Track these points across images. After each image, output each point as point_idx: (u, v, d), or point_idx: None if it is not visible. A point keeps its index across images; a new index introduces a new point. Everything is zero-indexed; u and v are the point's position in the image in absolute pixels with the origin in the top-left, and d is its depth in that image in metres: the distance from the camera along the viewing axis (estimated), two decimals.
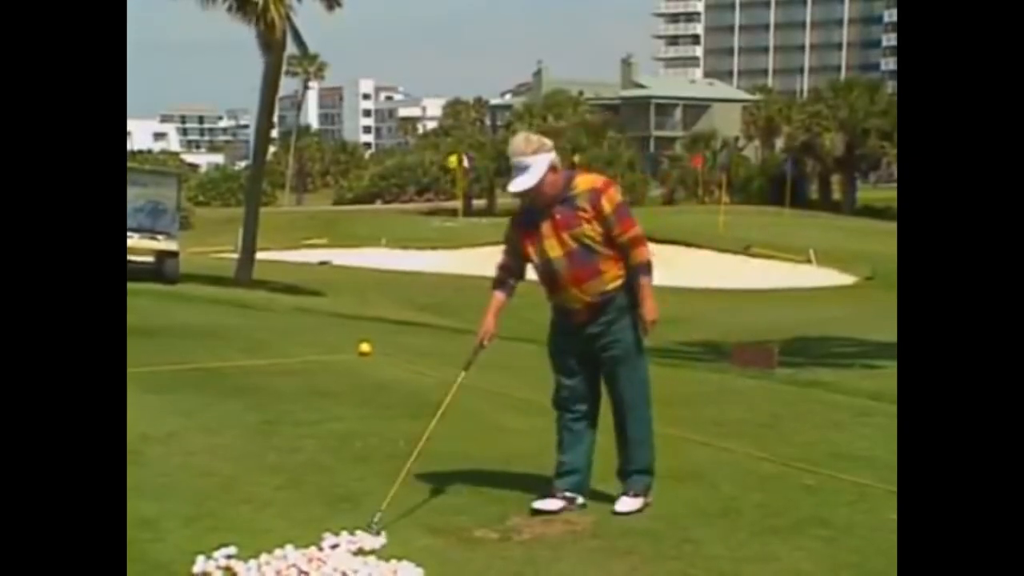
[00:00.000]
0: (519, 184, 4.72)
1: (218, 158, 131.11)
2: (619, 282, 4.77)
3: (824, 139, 69.00)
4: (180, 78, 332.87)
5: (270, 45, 27.15)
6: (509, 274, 4.98)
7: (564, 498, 4.87)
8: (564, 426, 4.99)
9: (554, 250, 4.77)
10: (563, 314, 4.91)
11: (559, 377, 4.99)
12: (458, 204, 66.61)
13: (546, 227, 4.77)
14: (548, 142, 4.81)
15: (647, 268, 4.78)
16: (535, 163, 4.69)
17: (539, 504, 4.83)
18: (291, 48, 31.05)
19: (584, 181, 4.80)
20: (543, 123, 72.49)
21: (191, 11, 29.15)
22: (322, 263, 40.83)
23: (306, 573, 3.95)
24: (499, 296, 5.00)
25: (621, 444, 4.96)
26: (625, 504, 4.82)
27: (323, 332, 13.65)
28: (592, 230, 4.71)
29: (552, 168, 4.72)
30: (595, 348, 4.85)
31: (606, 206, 4.71)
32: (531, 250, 4.83)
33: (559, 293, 4.85)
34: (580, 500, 4.89)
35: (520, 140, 4.82)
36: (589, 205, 4.71)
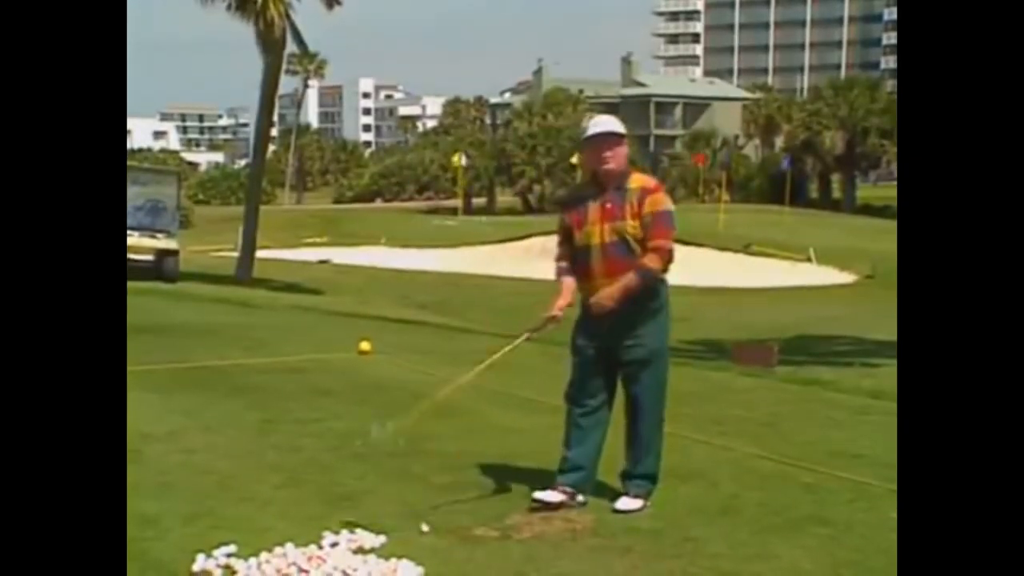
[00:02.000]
0: (606, 123, 4.92)
1: (218, 156, 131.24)
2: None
3: (824, 137, 69.06)
4: (180, 77, 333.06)
5: (269, 43, 27.15)
6: (568, 260, 4.99)
7: (565, 492, 4.87)
8: (573, 421, 5.00)
9: (595, 237, 4.83)
10: (589, 305, 4.95)
11: (575, 370, 5.02)
12: (458, 203, 66.61)
13: (594, 213, 4.84)
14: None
15: (646, 273, 4.77)
16: (620, 128, 4.90)
17: (540, 495, 4.85)
18: (291, 47, 31.06)
19: (638, 179, 4.89)
20: (543, 121, 72.49)
21: (191, 9, 29.17)
22: (322, 262, 40.78)
23: (306, 571, 3.95)
24: (567, 280, 4.97)
25: (629, 445, 4.96)
26: (625, 503, 4.83)
27: (323, 331, 13.64)
28: (633, 227, 4.77)
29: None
30: (618, 347, 4.86)
31: (648, 207, 4.78)
32: (577, 234, 4.89)
33: (590, 282, 4.87)
34: (580, 498, 4.89)
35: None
36: (636, 201, 4.79)
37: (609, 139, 4.84)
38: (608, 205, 4.80)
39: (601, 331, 4.87)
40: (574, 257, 4.92)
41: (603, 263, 4.79)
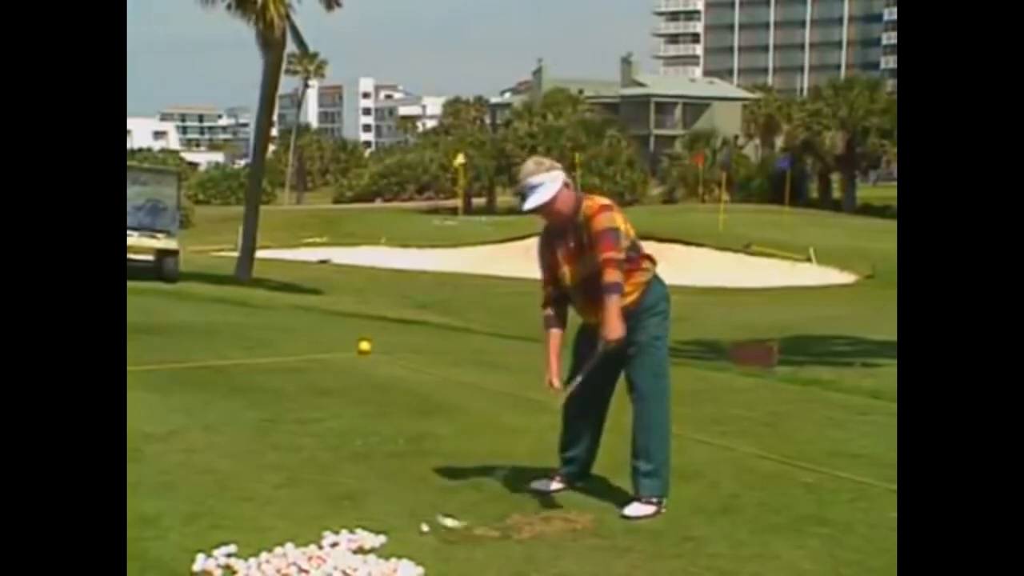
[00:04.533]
0: (535, 200, 4.76)
1: (218, 156, 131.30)
2: (632, 297, 4.80)
3: (824, 137, 68.99)
4: (180, 76, 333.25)
5: (268, 44, 27.17)
6: (555, 304, 5.01)
7: (563, 480, 5.04)
8: (569, 418, 5.09)
9: (568, 278, 4.87)
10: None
11: (573, 368, 5.06)
12: (458, 202, 66.64)
13: (561, 254, 4.88)
14: (558, 165, 4.91)
15: (612, 288, 4.70)
16: (548, 180, 4.76)
17: (537, 484, 5.01)
18: (291, 46, 31.08)
19: (586, 207, 4.82)
20: (543, 121, 72.52)
21: (191, 9, 29.19)
22: (322, 261, 40.86)
23: (306, 571, 3.95)
24: (555, 333, 5.00)
25: (632, 440, 4.91)
26: (636, 509, 4.76)
27: (323, 330, 13.65)
28: (591, 258, 4.76)
29: (565, 184, 4.79)
30: (616, 350, 4.86)
31: (593, 228, 4.75)
32: (556, 276, 4.94)
33: (577, 310, 4.97)
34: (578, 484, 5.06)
35: (530, 163, 4.92)
36: (584, 233, 4.78)
37: (544, 206, 4.79)
38: (571, 244, 4.83)
39: (597, 339, 4.90)
40: (561, 292, 4.95)
41: (583, 300, 4.85)
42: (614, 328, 4.67)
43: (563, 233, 4.85)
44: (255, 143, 30.22)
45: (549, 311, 5.00)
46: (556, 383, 4.94)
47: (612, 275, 4.69)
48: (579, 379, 4.90)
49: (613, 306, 4.67)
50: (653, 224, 39.37)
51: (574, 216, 4.80)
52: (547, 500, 4.93)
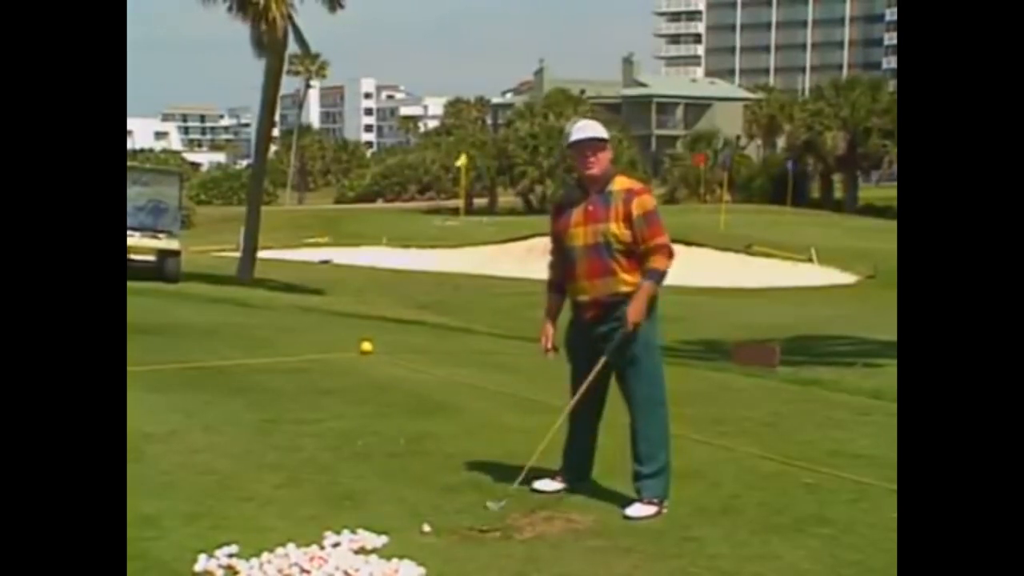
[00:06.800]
0: (594, 131, 4.92)
1: (220, 157, 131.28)
2: (632, 288, 4.82)
3: (826, 138, 68.93)
4: (181, 77, 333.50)
5: (270, 44, 27.18)
6: (559, 272, 5.06)
7: (564, 481, 5.07)
8: (570, 421, 5.13)
9: (577, 239, 4.88)
10: (576, 308, 4.99)
11: (571, 374, 5.11)
12: (459, 203, 66.59)
13: (577, 215, 4.90)
14: None
15: (657, 275, 4.82)
16: (603, 132, 4.95)
17: (538, 484, 5.04)
18: (292, 47, 31.09)
19: (621, 181, 4.93)
20: (544, 121, 72.44)
21: (192, 9, 29.23)
22: (323, 262, 40.81)
23: (308, 572, 3.96)
24: (555, 298, 5.11)
25: (633, 446, 4.92)
26: (637, 510, 4.77)
27: (324, 331, 13.64)
28: (618, 229, 4.79)
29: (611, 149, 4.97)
30: (604, 349, 4.88)
31: (636, 209, 4.81)
32: (563, 237, 4.96)
33: (573, 283, 4.94)
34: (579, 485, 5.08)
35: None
36: (622, 204, 4.82)
37: (591, 144, 4.88)
38: (591, 208, 4.86)
39: (587, 337, 4.94)
40: (562, 260, 4.98)
41: (585, 264, 4.86)
42: (638, 311, 4.78)
43: (583, 197, 4.91)
44: (257, 143, 30.23)
45: (553, 274, 5.08)
46: (550, 347, 5.04)
47: (665, 262, 4.83)
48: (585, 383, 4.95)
49: (648, 291, 4.80)
50: None
51: (604, 182, 4.87)
52: (548, 500, 4.93)
